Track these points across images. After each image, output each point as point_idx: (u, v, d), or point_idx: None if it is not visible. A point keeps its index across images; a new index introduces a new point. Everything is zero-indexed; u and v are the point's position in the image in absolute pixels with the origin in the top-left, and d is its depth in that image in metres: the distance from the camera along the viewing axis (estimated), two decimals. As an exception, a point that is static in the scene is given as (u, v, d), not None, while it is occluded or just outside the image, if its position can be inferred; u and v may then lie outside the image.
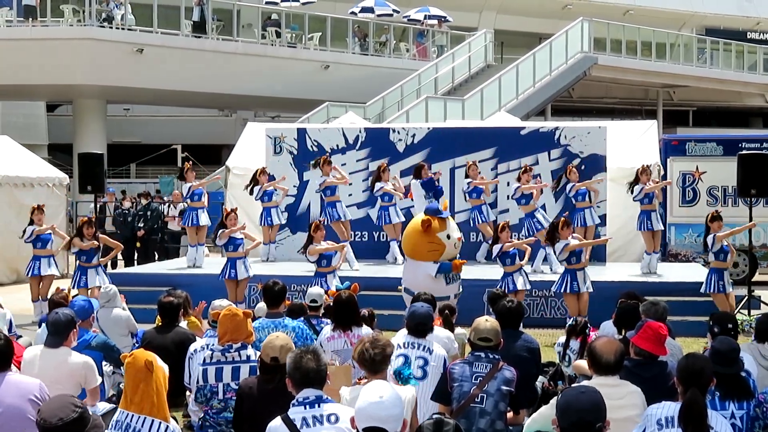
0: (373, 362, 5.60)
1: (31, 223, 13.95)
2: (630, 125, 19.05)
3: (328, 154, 15.80)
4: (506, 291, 12.12)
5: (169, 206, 21.41)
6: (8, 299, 13.01)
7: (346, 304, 7.92)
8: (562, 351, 8.14)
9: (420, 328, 6.95)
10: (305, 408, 4.93)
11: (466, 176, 15.40)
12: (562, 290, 12.22)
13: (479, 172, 15.41)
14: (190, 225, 15.69)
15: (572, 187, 14.98)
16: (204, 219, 15.56)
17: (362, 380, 5.80)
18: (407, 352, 6.84)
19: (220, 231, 12.98)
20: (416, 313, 7.04)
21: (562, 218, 12.39)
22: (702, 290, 12.45)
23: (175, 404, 7.31)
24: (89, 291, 13.17)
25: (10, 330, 8.90)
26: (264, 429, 5.07)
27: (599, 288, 12.32)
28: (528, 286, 12.55)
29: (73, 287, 13.34)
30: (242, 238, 13.08)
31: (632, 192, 14.33)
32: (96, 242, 13.36)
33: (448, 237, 10.90)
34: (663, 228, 14.85)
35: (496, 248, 12.27)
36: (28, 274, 14.01)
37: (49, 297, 9.32)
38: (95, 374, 6.80)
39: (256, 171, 15.85)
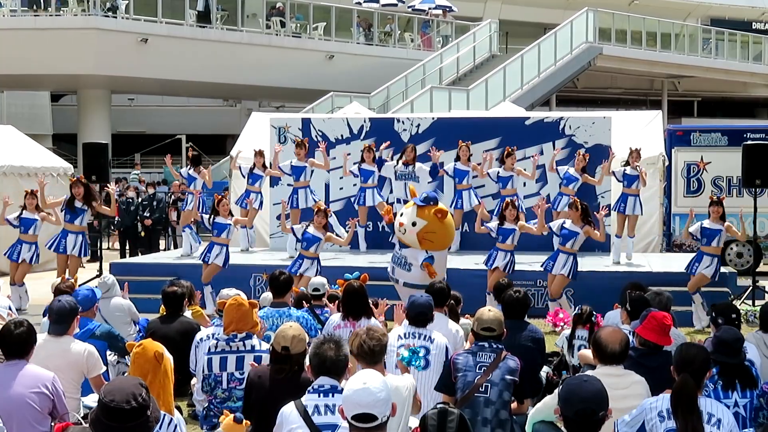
0: (372, 353, 5.55)
1: (24, 208, 13.44)
2: (635, 115, 19.01)
3: (299, 139, 15.64)
4: (487, 264, 12.14)
5: (171, 197, 21.43)
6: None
7: (357, 293, 7.85)
8: (567, 341, 8.12)
9: (420, 317, 6.94)
10: (319, 396, 4.99)
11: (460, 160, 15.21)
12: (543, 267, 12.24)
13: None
14: (183, 209, 15.70)
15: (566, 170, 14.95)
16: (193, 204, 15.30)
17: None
18: (409, 343, 6.84)
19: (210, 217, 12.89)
20: (416, 303, 7.02)
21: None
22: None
23: (180, 393, 7.35)
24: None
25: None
26: (273, 417, 5.10)
27: (602, 277, 12.30)
28: (508, 269, 12.14)
29: (48, 247, 13.35)
30: (229, 224, 12.79)
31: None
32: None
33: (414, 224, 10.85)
34: (638, 215, 14.67)
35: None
36: (5, 254, 13.70)
37: (54, 286, 9.29)
38: (98, 363, 6.78)
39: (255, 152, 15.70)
